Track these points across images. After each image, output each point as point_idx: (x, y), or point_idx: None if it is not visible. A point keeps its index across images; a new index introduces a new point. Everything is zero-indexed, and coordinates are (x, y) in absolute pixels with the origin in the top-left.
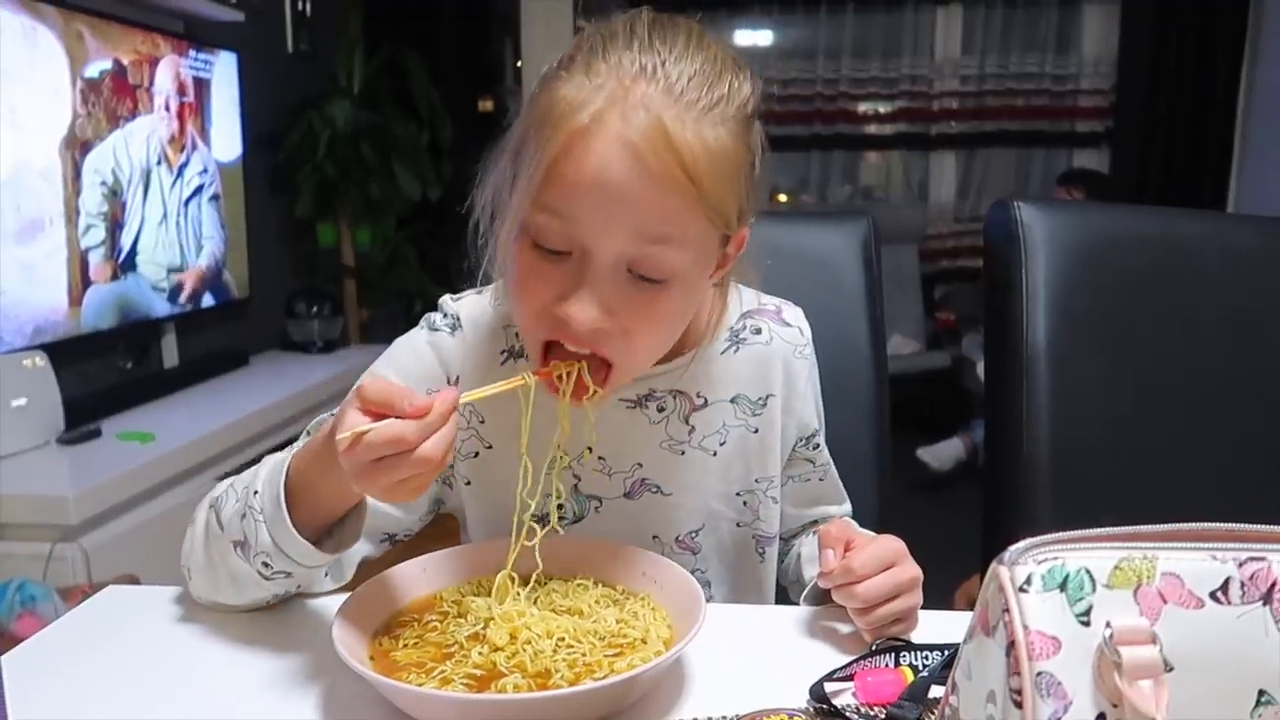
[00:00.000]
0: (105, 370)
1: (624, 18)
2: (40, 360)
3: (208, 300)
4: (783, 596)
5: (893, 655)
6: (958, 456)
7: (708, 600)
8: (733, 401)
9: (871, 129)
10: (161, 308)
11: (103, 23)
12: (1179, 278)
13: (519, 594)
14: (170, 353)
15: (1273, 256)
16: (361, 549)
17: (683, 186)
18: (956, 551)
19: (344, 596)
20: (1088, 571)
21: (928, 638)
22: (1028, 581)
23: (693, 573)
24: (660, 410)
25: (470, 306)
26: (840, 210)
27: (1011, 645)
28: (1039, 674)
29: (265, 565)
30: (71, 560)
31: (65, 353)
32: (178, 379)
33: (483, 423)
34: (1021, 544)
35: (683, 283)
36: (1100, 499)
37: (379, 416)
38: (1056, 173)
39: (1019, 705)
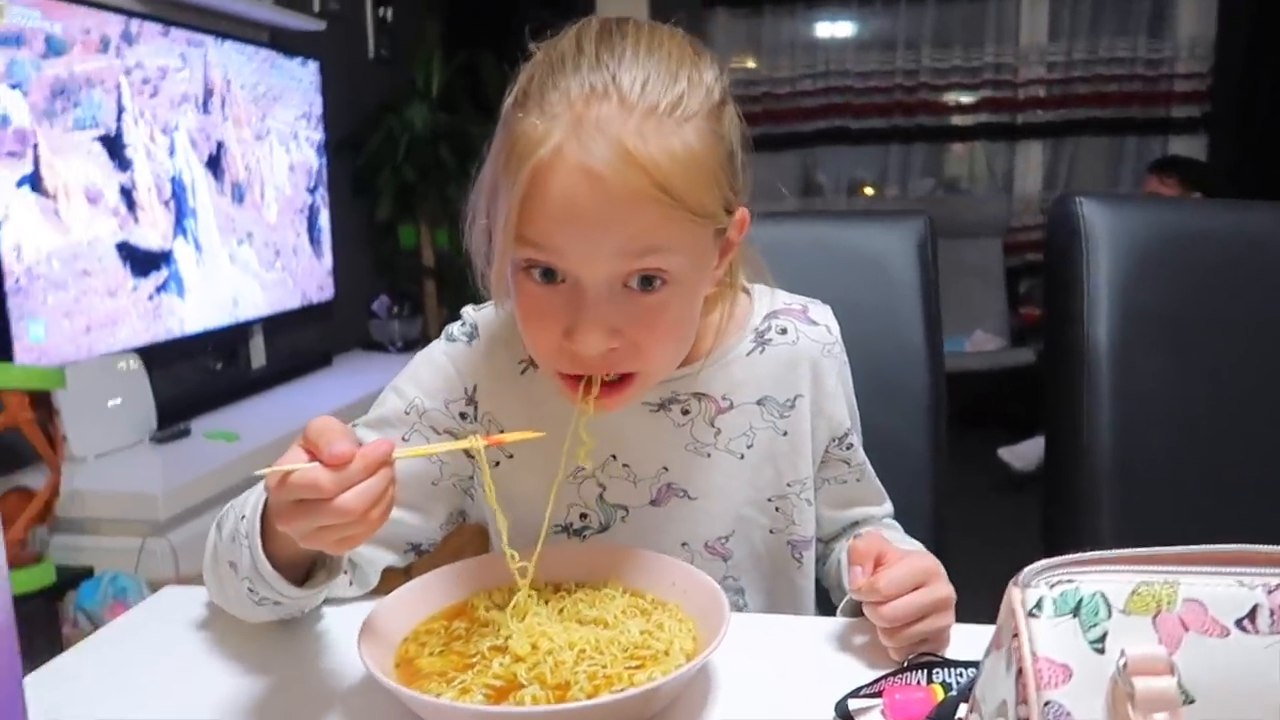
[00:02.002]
0: (196, 371)
1: (570, 32)
2: (134, 363)
3: (294, 302)
4: (825, 599)
5: (925, 672)
6: (1041, 456)
7: (742, 607)
8: (759, 403)
9: (954, 120)
10: (250, 310)
11: (197, 35)
12: (1251, 276)
13: (545, 603)
14: (258, 354)
15: None
16: (384, 558)
17: (655, 199)
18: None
19: (374, 602)
20: (1103, 596)
21: (966, 653)
22: (1039, 605)
23: (724, 580)
24: (685, 414)
25: (490, 315)
26: (897, 209)
27: (1020, 672)
28: (1047, 703)
29: (251, 591)
30: (161, 554)
31: (158, 355)
32: (264, 379)
33: (502, 432)
34: (1038, 564)
35: (681, 286)
36: (1163, 506)
37: (314, 456)
38: (1150, 161)
39: None
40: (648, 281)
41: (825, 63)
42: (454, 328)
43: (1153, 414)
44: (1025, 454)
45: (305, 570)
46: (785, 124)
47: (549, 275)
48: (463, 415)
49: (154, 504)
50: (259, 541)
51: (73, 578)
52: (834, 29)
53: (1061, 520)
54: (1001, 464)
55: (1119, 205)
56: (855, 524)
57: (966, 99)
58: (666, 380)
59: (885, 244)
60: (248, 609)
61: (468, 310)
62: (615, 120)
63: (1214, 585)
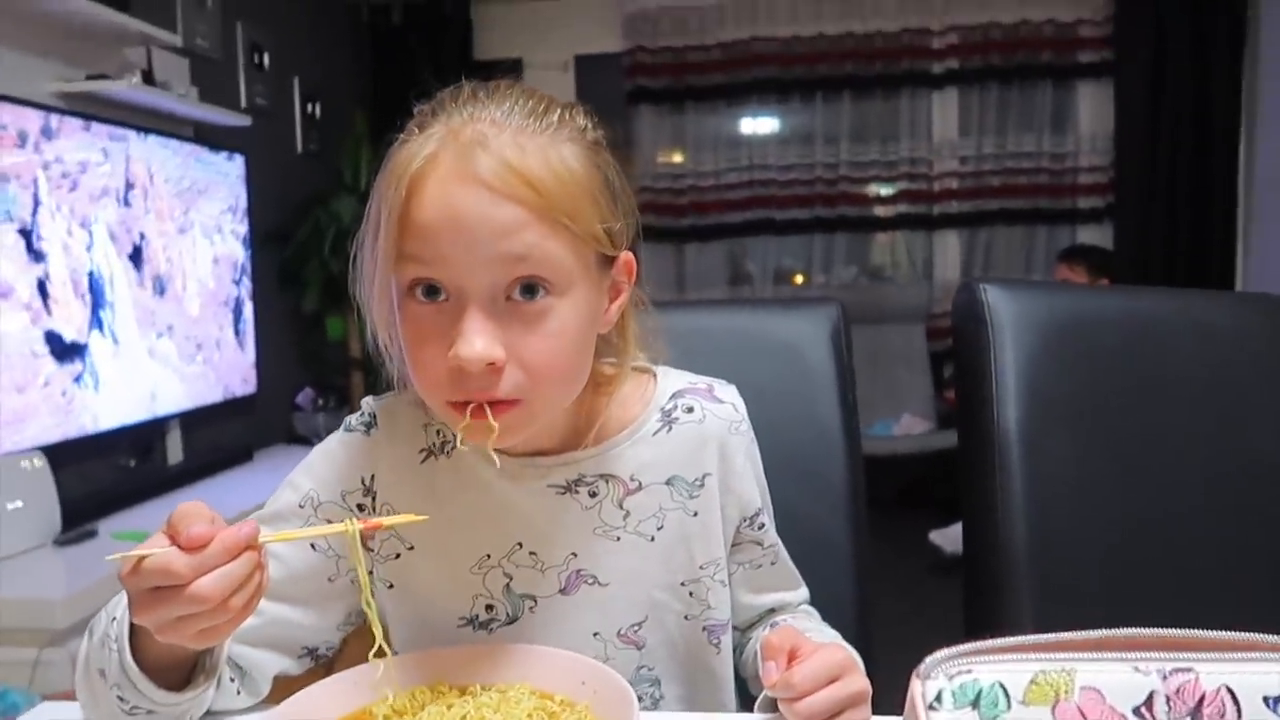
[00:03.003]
0: (107, 469)
1: (450, 91)
2: (39, 461)
3: (215, 396)
4: (745, 686)
5: None
6: None
7: (659, 699)
8: (668, 483)
9: (875, 210)
10: (169, 405)
11: (119, 130)
12: (1149, 356)
13: (449, 708)
14: (175, 449)
15: (1244, 332)
16: (275, 663)
17: (530, 200)
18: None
19: (263, 714)
20: (1002, 686)
21: None
22: (938, 698)
23: (640, 670)
24: (592, 495)
25: (391, 405)
26: (814, 296)
27: None
28: None
29: (121, 699)
30: (59, 665)
31: (68, 452)
32: (181, 475)
33: None
34: (940, 654)
35: (565, 299)
36: (1079, 585)
37: (175, 542)
38: (1060, 249)
39: None
40: (530, 291)
41: (749, 156)
42: (352, 418)
43: (1063, 494)
44: (955, 537)
45: (184, 675)
46: (712, 215)
47: (432, 292)
48: (360, 506)
49: (52, 611)
50: (127, 644)
51: None
52: (756, 125)
53: (981, 603)
54: (933, 547)
55: (1021, 291)
56: (772, 610)
57: (885, 190)
58: (572, 461)
59: (800, 331)
60: None
61: (368, 400)
62: (489, 133)
63: (1110, 672)
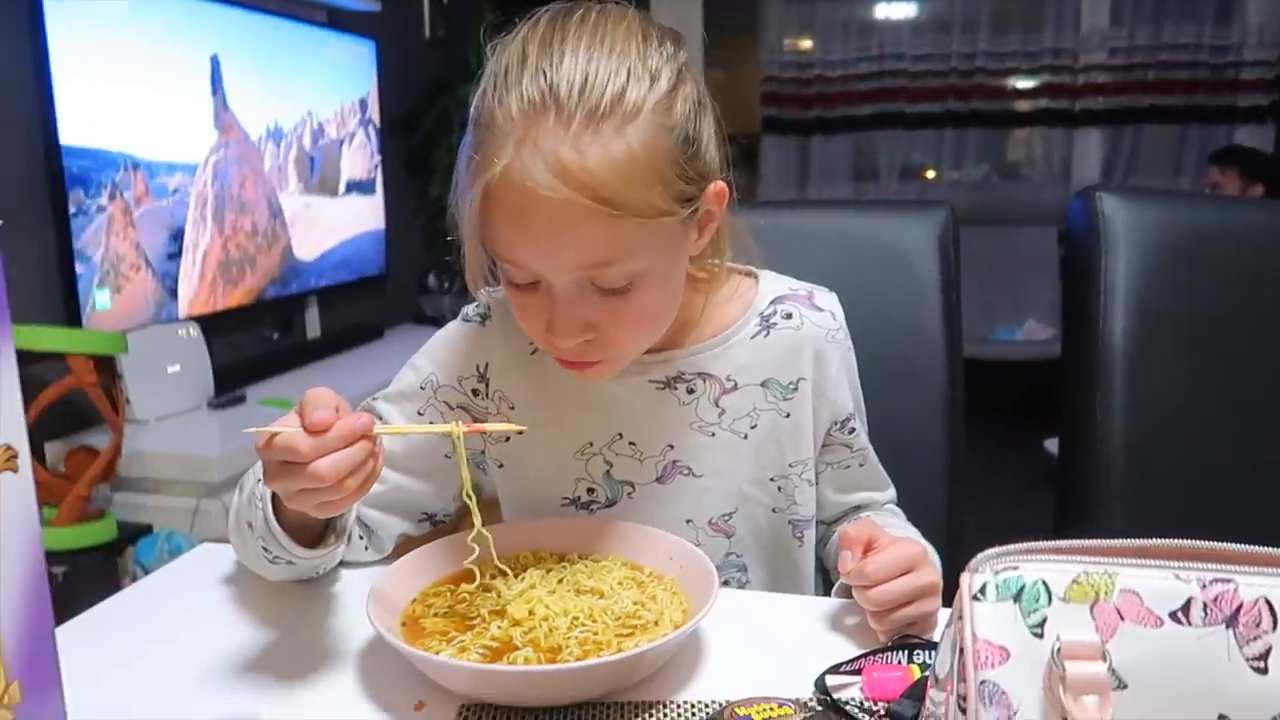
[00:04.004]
0: (253, 340)
1: (522, 29)
2: (194, 331)
3: (348, 275)
4: (826, 577)
5: (906, 652)
6: None
7: (745, 584)
8: (763, 385)
9: (1012, 105)
10: (306, 283)
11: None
12: (1272, 276)
13: (548, 571)
14: (313, 324)
15: None
16: (398, 525)
17: (596, 213)
18: None
19: (385, 567)
20: (1044, 584)
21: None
22: (982, 590)
23: (728, 556)
24: (690, 392)
25: (504, 297)
26: (919, 201)
27: (961, 652)
28: (982, 682)
29: (265, 550)
30: (214, 515)
31: (217, 324)
32: (318, 349)
33: (513, 409)
34: (989, 552)
35: (648, 278)
36: (1172, 504)
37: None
38: (1213, 150)
39: (964, 711)
40: (614, 287)
41: (880, 45)
42: (469, 309)
43: (1165, 412)
44: None
45: (318, 534)
46: (839, 107)
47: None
48: (475, 392)
49: (209, 466)
50: (270, 504)
51: (132, 534)
52: (890, 11)
53: (1072, 515)
54: (1046, 455)
55: (1139, 201)
56: (857, 508)
57: (1025, 84)
58: (671, 359)
59: (907, 235)
60: (265, 567)
61: (483, 291)
62: (553, 136)
63: (1150, 578)
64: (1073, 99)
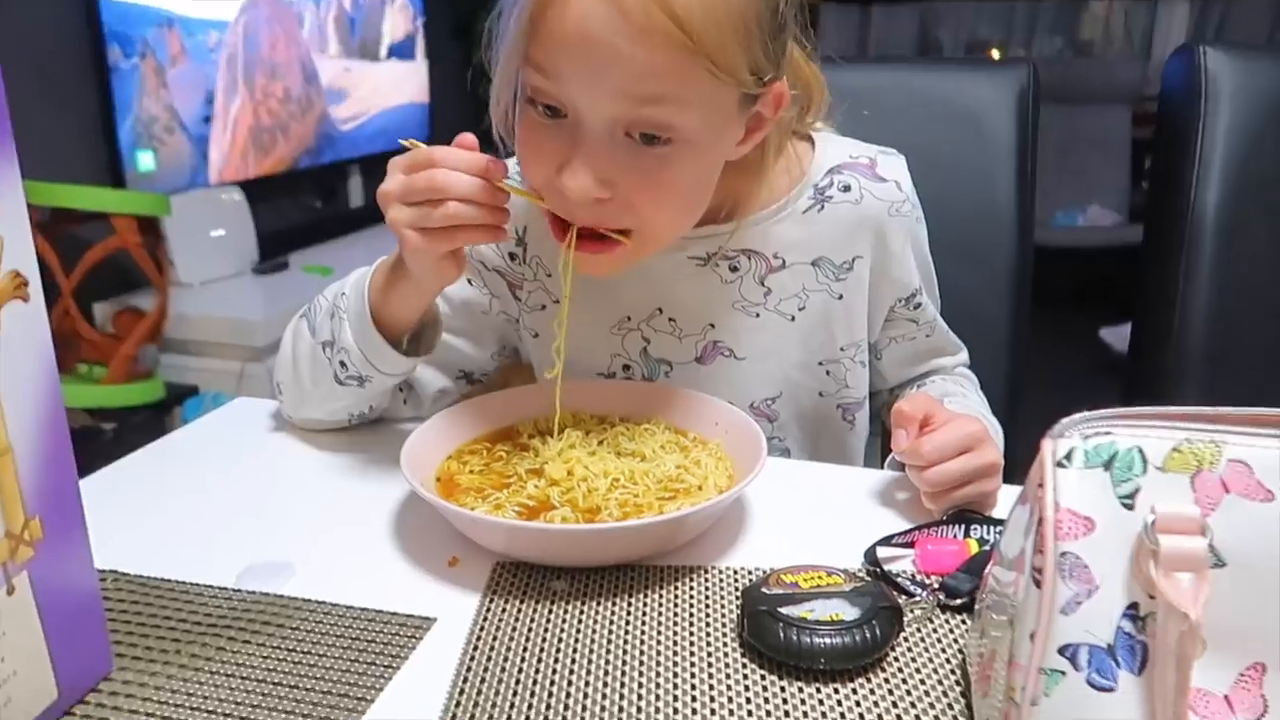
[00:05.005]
0: (296, 208)
1: None
2: (237, 195)
3: (392, 144)
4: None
5: (963, 526)
6: None
7: None
8: (814, 264)
9: None
10: (350, 150)
11: None
12: None
13: (587, 433)
14: (356, 193)
15: None
16: (437, 380)
17: (673, 39)
18: None
19: (425, 421)
20: (1140, 451)
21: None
22: (1068, 456)
23: (770, 440)
24: (733, 270)
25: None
26: (999, 60)
27: (1040, 522)
28: (1063, 554)
29: (343, 365)
30: (259, 379)
31: (261, 191)
32: (361, 218)
33: (549, 276)
34: (1078, 415)
35: (689, 148)
36: (1255, 393)
37: None
38: None
39: (1038, 585)
40: (650, 136)
41: None
42: (511, 163)
43: (1255, 294)
44: (1127, 335)
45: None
46: None
47: (553, 110)
48: (511, 256)
49: (254, 330)
50: (368, 309)
51: (180, 395)
52: None
53: (1140, 398)
54: (1103, 345)
55: (1248, 56)
56: (926, 374)
57: None
58: (713, 234)
59: (983, 95)
60: (326, 394)
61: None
62: None
63: (1264, 447)
64: None
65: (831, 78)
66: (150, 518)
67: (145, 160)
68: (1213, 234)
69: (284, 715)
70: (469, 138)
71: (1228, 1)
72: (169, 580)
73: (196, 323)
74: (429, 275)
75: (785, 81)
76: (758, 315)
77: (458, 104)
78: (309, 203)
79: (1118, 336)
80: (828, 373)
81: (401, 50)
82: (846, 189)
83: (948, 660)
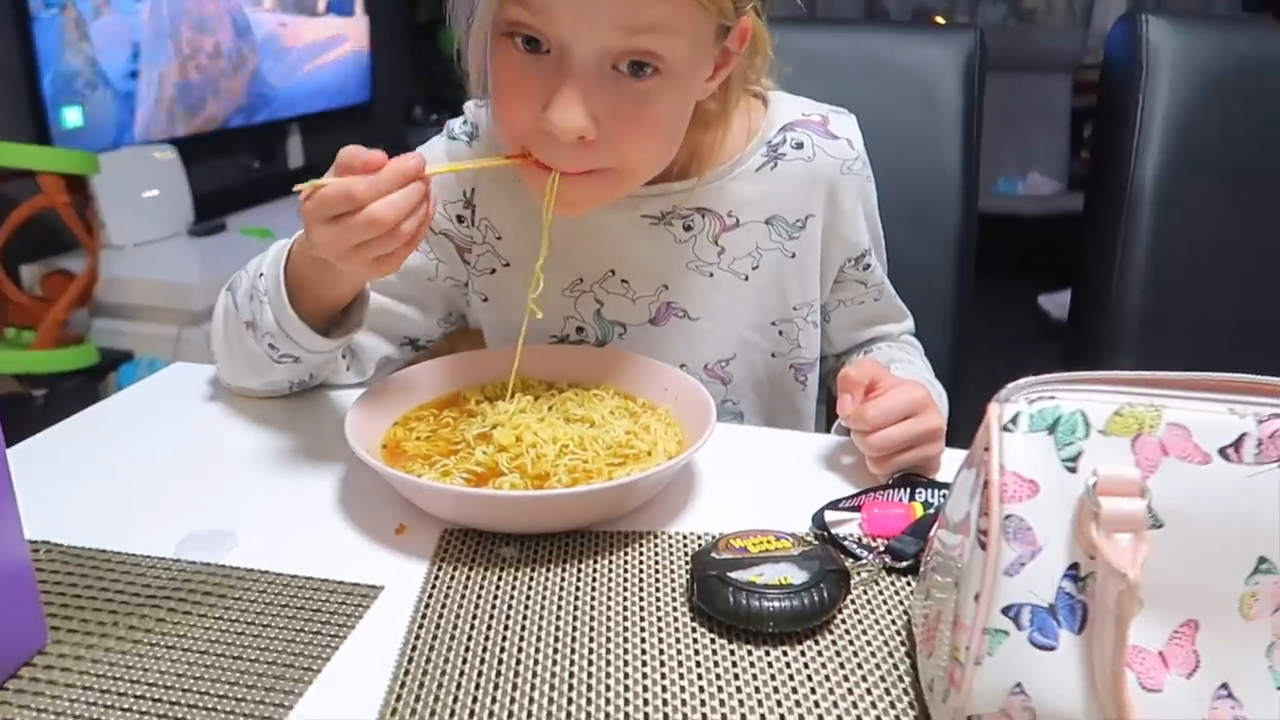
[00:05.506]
0: (233, 168)
1: None
2: (170, 153)
3: (330, 104)
4: (832, 409)
5: (908, 490)
6: None
7: None
8: (767, 223)
9: None
10: (287, 109)
11: None
12: None
13: (535, 399)
14: (295, 153)
15: None
16: (381, 347)
17: None
18: None
19: (369, 387)
20: (1083, 415)
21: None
22: (1014, 420)
23: (724, 403)
24: (686, 229)
25: (489, 115)
26: (947, 26)
27: (985, 485)
28: (1007, 517)
29: (272, 347)
30: (196, 344)
31: (196, 150)
32: (301, 179)
33: (499, 239)
34: (1023, 380)
35: (673, 80)
36: (1191, 359)
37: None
38: None
39: (984, 547)
40: (639, 67)
41: None
42: (455, 124)
43: (1193, 261)
44: (1065, 302)
45: (324, 329)
46: None
47: (533, 43)
48: (459, 218)
49: (190, 294)
50: (285, 293)
51: (114, 360)
52: None
53: (1078, 365)
54: (1041, 312)
55: (1189, 26)
56: (871, 340)
57: None
58: (666, 193)
59: (930, 60)
60: (261, 369)
61: (469, 106)
62: None
63: (1202, 411)
64: None
65: (781, 38)
66: (85, 487)
67: (72, 116)
68: (1151, 203)
69: (227, 686)
70: (376, 158)
71: None
72: (105, 551)
73: (130, 286)
74: (363, 274)
75: (750, 16)
76: (711, 275)
77: (399, 60)
78: (246, 163)
79: (1055, 304)
80: (780, 333)
81: (340, 5)
82: (799, 146)
83: (893, 622)
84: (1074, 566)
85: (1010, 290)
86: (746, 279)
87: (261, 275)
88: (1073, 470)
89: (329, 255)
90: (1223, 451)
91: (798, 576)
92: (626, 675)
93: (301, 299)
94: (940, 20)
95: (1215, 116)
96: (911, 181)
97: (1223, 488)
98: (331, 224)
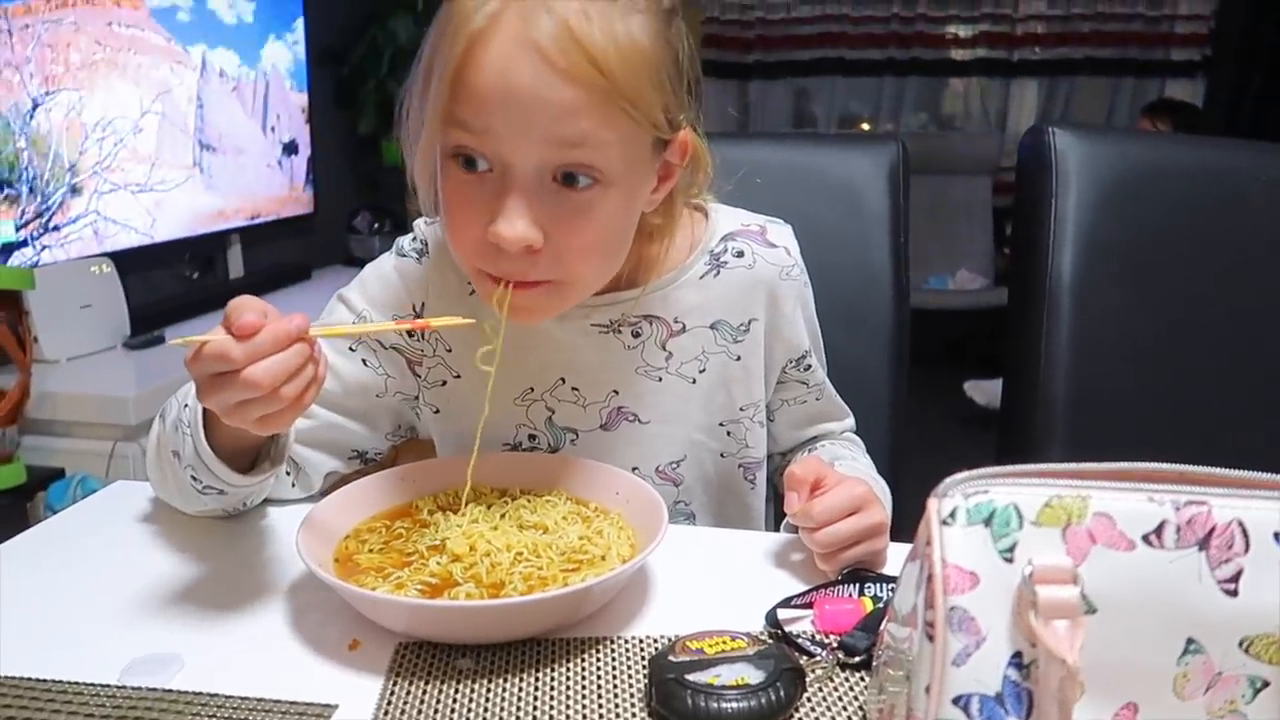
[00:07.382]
0: (172, 279)
1: None
2: (107, 267)
3: (273, 214)
4: (780, 508)
5: (857, 585)
6: None
7: None
8: (712, 327)
9: (951, 54)
10: (228, 221)
11: None
12: (1218, 213)
13: (488, 507)
14: (236, 264)
15: None
16: (327, 463)
17: (592, 81)
18: None
19: (316, 503)
20: (1016, 508)
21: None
22: (953, 515)
23: (676, 505)
24: (635, 336)
25: (442, 232)
26: (870, 135)
27: (929, 578)
28: (951, 608)
29: (194, 479)
30: (131, 459)
31: (133, 261)
32: (241, 290)
33: (449, 351)
34: (959, 476)
35: (612, 190)
36: (1116, 443)
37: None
38: (1145, 103)
39: (931, 639)
40: (574, 178)
41: None
42: (404, 241)
43: (1110, 349)
44: (991, 390)
45: (251, 460)
46: (779, 51)
47: (473, 164)
48: (409, 332)
49: (125, 408)
50: (201, 429)
51: (44, 478)
52: None
53: (1015, 454)
54: (968, 399)
55: (1091, 137)
56: (814, 439)
57: (964, 32)
58: (616, 301)
59: (857, 169)
60: (190, 499)
61: (419, 224)
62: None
63: (1124, 500)
64: (1010, 48)
65: (717, 151)
66: (21, 614)
67: (6, 230)
68: (1069, 296)
69: None
70: (249, 323)
71: (1071, 82)
72: (44, 680)
73: (62, 401)
74: (252, 430)
75: (689, 131)
76: (660, 379)
77: (341, 171)
78: (185, 274)
79: (979, 390)
80: (729, 433)
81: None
82: (740, 254)
83: (850, 718)
84: (1018, 654)
85: (943, 381)
86: (694, 382)
87: (186, 406)
88: (1010, 560)
89: (215, 410)
90: (1145, 538)
91: (754, 676)
92: None
93: (219, 435)
94: (865, 126)
95: (1120, 216)
96: (845, 283)
97: (1148, 572)
98: (214, 380)
